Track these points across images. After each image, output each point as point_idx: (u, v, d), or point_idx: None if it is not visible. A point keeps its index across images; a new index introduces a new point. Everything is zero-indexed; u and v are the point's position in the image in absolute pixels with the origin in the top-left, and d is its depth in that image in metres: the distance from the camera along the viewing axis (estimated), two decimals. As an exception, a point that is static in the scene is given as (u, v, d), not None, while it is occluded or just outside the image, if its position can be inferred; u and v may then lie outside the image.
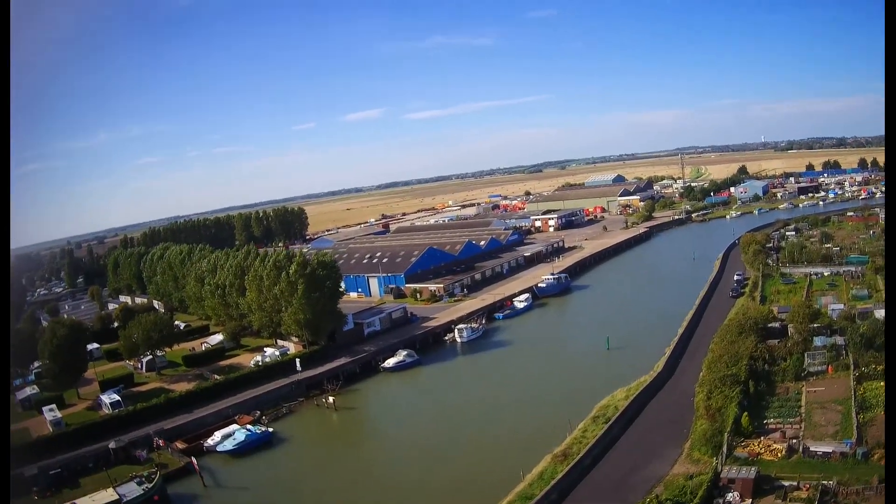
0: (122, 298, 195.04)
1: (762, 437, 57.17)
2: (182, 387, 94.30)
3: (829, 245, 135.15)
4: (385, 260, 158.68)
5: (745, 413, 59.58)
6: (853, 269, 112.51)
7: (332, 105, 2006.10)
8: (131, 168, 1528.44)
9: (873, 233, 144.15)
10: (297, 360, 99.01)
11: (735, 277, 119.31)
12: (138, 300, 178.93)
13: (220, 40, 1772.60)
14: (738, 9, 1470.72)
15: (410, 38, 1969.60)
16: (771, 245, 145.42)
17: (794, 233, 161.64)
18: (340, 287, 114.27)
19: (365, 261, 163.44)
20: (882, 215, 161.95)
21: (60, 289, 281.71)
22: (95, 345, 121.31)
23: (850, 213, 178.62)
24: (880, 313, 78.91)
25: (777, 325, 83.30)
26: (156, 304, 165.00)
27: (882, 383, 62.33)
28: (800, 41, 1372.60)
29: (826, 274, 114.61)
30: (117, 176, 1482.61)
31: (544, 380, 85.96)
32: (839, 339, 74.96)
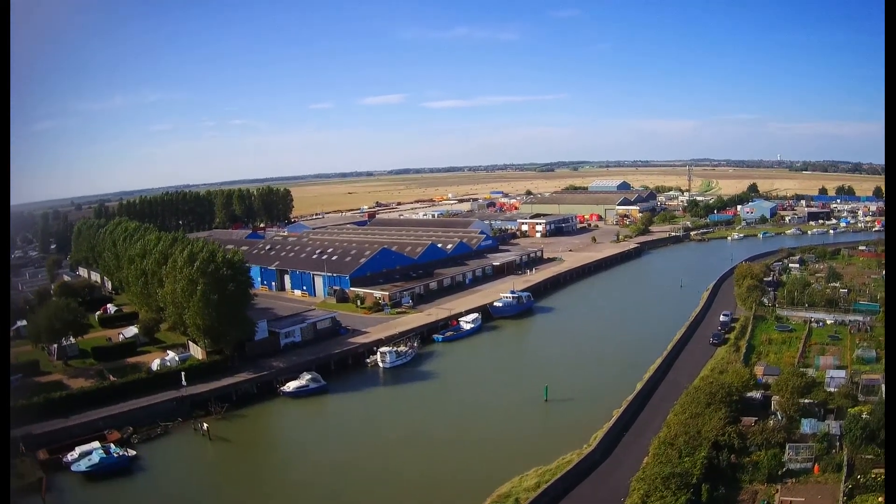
0: (81, 272, 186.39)
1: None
2: (78, 384, 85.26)
3: (836, 284, 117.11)
4: (335, 257, 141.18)
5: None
6: (861, 319, 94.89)
7: (351, 87, 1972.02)
8: (144, 133, 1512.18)
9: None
10: (183, 372, 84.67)
11: (721, 318, 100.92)
12: (94, 275, 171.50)
13: (242, 12, 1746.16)
14: (760, 26, 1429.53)
15: (434, 27, 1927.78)
16: (770, 278, 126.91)
17: (798, 265, 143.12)
18: (249, 290, 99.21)
19: (315, 256, 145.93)
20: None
21: (35, 252, 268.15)
22: (23, 322, 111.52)
23: (862, 248, 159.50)
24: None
25: (758, 395, 66.01)
26: (106, 282, 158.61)
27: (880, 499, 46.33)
28: (818, 63, 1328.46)
29: (829, 322, 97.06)
30: (129, 140, 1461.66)
31: (456, 436, 69.38)
32: (833, 426, 57.77)
